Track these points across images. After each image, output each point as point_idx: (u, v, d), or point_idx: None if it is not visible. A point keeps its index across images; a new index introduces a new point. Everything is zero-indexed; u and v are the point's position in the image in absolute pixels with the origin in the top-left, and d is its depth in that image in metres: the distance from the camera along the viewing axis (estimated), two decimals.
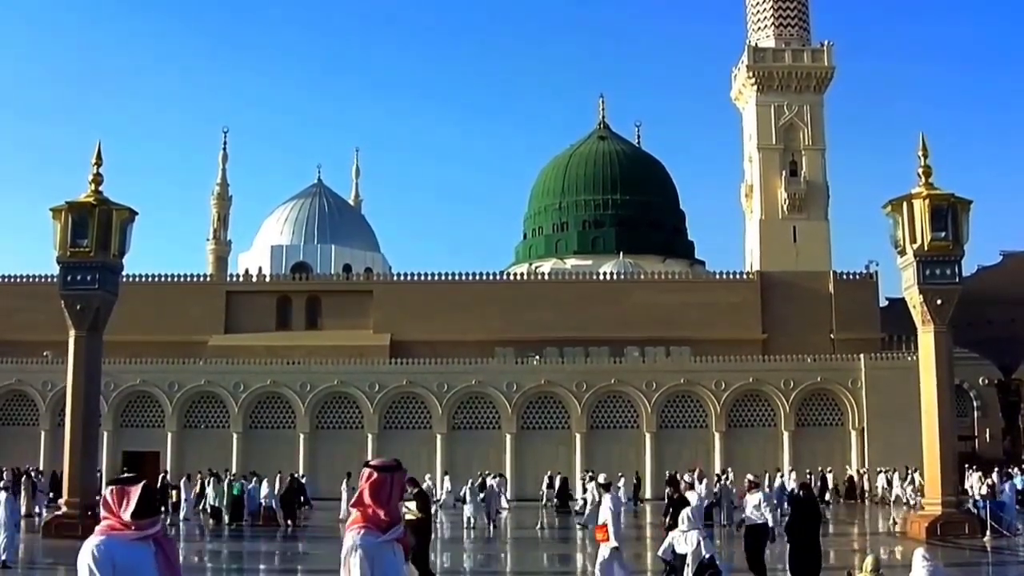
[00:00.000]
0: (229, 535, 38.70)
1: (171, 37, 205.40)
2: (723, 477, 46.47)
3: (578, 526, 39.81)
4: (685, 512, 19.33)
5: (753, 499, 20.68)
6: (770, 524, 20.49)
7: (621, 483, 45.91)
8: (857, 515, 49.18)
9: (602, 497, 19.53)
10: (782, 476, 51.75)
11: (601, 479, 20.20)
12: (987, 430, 76.32)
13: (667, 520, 21.39)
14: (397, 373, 63.82)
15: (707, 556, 18.41)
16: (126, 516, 6.05)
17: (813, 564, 18.95)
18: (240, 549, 34.96)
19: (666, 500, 21.53)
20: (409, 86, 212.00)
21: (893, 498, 54.31)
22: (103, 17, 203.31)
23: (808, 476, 53.39)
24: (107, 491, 6.18)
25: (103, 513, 6.18)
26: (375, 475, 6.48)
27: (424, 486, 46.35)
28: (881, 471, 57.66)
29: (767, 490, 22.10)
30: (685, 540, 18.93)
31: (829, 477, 58.25)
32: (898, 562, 25.81)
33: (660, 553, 20.03)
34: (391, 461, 6.66)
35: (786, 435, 62.68)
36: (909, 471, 53.22)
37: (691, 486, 22.84)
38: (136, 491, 6.08)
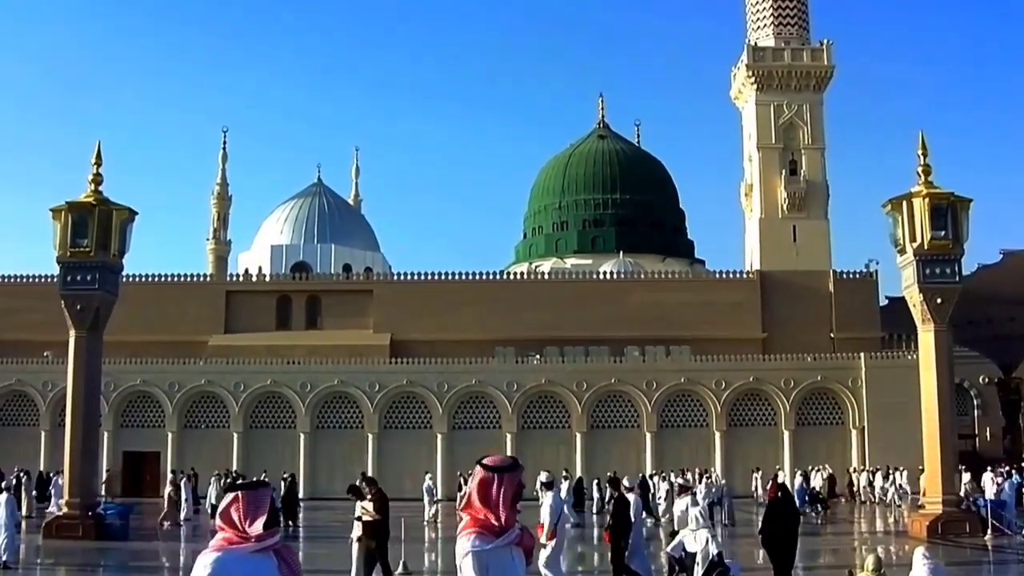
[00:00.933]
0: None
1: (171, 37, 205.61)
2: (708, 476, 46.71)
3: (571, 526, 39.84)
4: (695, 511, 19.24)
5: (681, 504, 20.17)
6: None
7: (564, 484, 45.89)
8: (846, 514, 49.11)
9: (543, 496, 19.30)
10: (802, 474, 51.52)
11: (543, 477, 19.96)
12: (987, 428, 76.25)
13: (609, 520, 20.78)
14: (397, 373, 63.83)
15: (716, 554, 18.33)
16: (254, 528, 5.52)
17: (786, 562, 18.68)
18: None
19: (611, 501, 21.16)
20: (409, 85, 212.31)
21: (876, 498, 54.35)
22: (102, 17, 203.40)
23: (784, 475, 53.54)
24: (227, 499, 5.62)
25: (219, 524, 5.59)
26: (482, 474, 6.00)
27: (425, 485, 46.79)
28: (864, 470, 57.63)
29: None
30: (695, 539, 18.83)
31: (817, 476, 57.69)
32: (897, 561, 25.80)
33: (669, 550, 19.93)
34: (505, 459, 6.14)
35: (786, 434, 62.71)
36: (891, 470, 53.40)
37: (629, 488, 22.34)
38: (262, 499, 5.60)
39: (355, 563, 20.22)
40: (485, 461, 6.10)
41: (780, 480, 31.78)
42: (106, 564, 28.86)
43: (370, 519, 20.05)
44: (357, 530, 20.29)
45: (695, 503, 20.70)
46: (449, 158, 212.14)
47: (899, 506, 49.48)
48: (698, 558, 18.36)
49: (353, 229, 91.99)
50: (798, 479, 49.22)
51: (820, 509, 46.21)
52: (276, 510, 5.61)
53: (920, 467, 54.12)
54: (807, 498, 46.72)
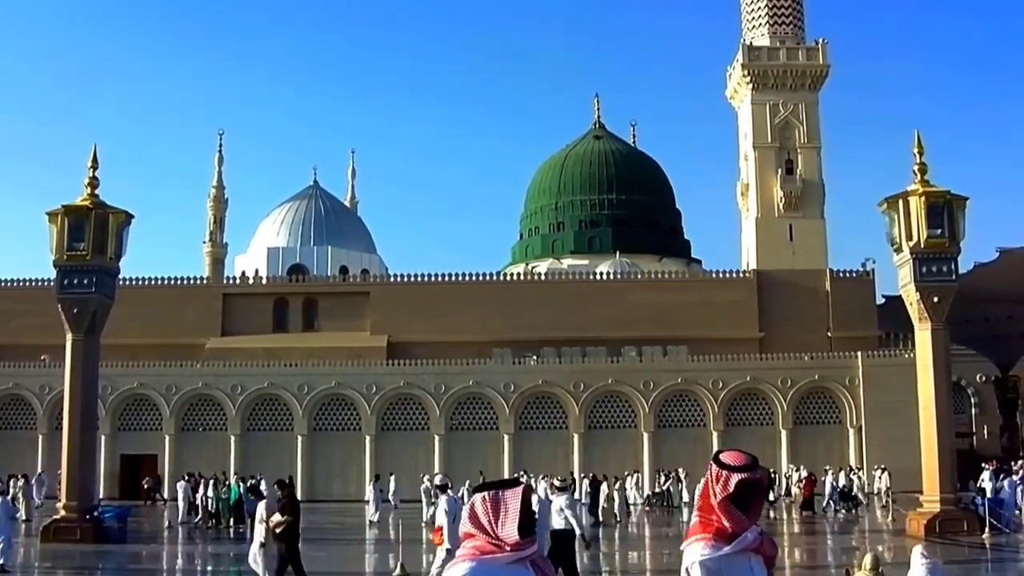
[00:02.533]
0: (231, 537, 38.65)
1: (166, 39, 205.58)
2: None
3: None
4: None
5: (558, 502, 19.67)
6: (577, 531, 19.51)
7: (465, 485, 46.00)
8: (842, 514, 49.14)
9: (438, 499, 19.09)
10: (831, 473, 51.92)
11: (437, 480, 19.74)
12: (985, 427, 76.23)
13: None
14: (394, 374, 63.81)
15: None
16: (507, 533, 4.79)
17: None
18: (242, 551, 34.89)
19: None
20: (404, 87, 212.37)
21: (853, 496, 54.37)
22: (98, 19, 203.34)
23: (772, 475, 53.49)
24: (475, 500, 4.90)
25: (469, 529, 4.90)
26: (714, 471, 5.42)
27: (423, 487, 46.83)
28: (840, 469, 57.37)
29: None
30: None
31: (830, 476, 57.83)
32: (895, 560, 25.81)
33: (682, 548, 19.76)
34: (744, 456, 5.50)
35: (784, 434, 62.72)
36: (864, 470, 53.72)
37: (560, 487, 21.91)
38: (516, 500, 4.84)
39: (263, 569, 19.94)
40: (721, 457, 5.52)
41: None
42: (104, 567, 28.84)
43: (278, 521, 19.80)
44: (260, 535, 19.94)
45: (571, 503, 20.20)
46: (445, 159, 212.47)
47: (884, 505, 50.15)
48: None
49: (349, 231, 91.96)
50: (829, 477, 50.65)
51: (851, 507, 47.12)
52: (532, 514, 4.90)
53: (880, 466, 55.02)
54: (838, 496, 48.88)
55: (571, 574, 19.31)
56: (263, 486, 31.66)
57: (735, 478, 5.33)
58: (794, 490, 54.49)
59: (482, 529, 4.80)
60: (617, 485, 46.02)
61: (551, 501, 20.05)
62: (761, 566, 5.36)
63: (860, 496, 52.73)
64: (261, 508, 20.02)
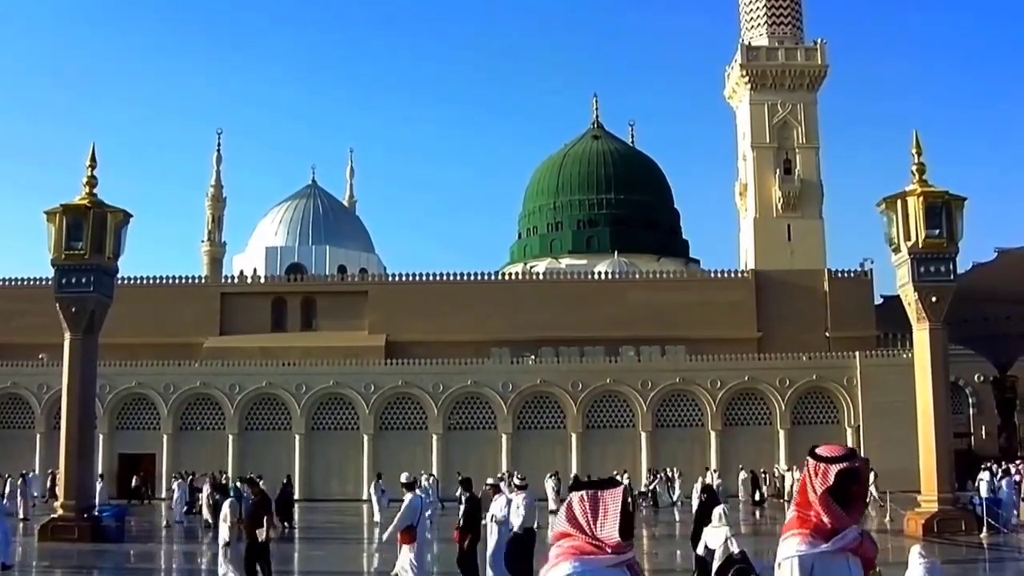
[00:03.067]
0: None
1: (165, 38, 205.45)
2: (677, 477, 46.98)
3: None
4: (718, 509, 19.11)
5: (516, 501, 19.66)
6: (526, 528, 19.38)
7: (425, 482, 46.10)
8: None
9: (404, 497, 19.02)
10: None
11: (403, 478, 19.64)
12: (983, 427, 76.30)
13: (460, 522, 20.33)
14: (393, 374, 63.80)
15: (737, 552, 18.18)
16: (608, 534, 4.60)
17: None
18: (239, 550, 34.88)
19: (463, 503, 20.67)
20: (403, 87, 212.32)
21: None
22: (96, 18, 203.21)
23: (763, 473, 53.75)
24: (573, 499, 4.74)
25: (566, 529, 4.70)
26: (811, 464, 5.20)
27: (421, 486, 46.76)
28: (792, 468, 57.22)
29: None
30: (715, 536, 18.72)
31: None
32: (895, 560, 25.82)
33: (700, 551, 19.74)
34: (842, 449, 5.26)
35: (782, 433, 62.71)
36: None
37: (495, 487, 21.79)
38: (615, 501, 4.66)
39: (232, 568, 19.80)
40: (817, 451, 5.26)
41: (707, 481, 31.96)
42: (102, 566, 28.83)
43: (228, 522, 19.72)
44: (225, 534, 19.80)
45: (716, 502, 20.30)
46: (443, 159, 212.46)
47: None
48: (717, 554, 18.21)
49: (348, 230, 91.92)
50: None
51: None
52: (631, 516, 4.71)
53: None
54: None
55: (528, 574, 19.32)
56: (230, 485, 31.54)
57: (834, 469, 5.12)
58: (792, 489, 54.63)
59: (580, 529, 4.65)
60: None
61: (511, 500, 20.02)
62: (859, 568, 5.13)
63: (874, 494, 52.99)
64: (226, 507, 19.94)
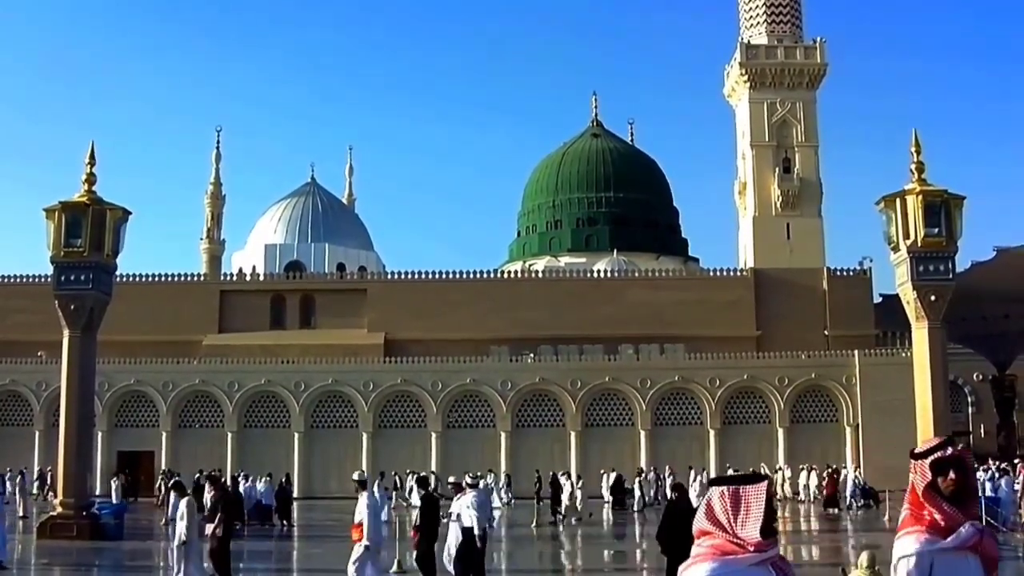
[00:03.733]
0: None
1: (164, 36, 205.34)
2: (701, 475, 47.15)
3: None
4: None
5: (466, 500, 19.61)
6: (477, 530, 19.34)
7: (377, 482, 46.16)
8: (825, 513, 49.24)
9: (359, 495, 19.02)
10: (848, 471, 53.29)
11: (356, 476, 19.62)
12: (982, 425, 76.39)
13: (417, 521, 20.46)
14: (392, 372, 63.79)
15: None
16: (749, 533, 4.41)
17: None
18: (250, 548, 34.89)
19: (420, 502, 20.82)
20: (402, 84, 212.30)
21: (799, 495, 54.42)
22: (95, 16, 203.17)
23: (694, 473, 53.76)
24: (713, 496, 4.53)
25: (705, 527, 4.50)
26: (916, 465, 4.95)
27: (409, 484, 46.80)
28: (846, 467, 57.34)
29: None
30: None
31: (851, 473, 57.62)
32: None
33: None
34: (936, 440, 5.01)
35: (781, 432, 62.70)
36: (812, 469, 54.18)
37: (472, 485, 21.71)
38: (759, 498, 4.45)
39: (183, 567, 19.69)
40: (914, 450, 5.00)
41: (677, 480, 31.94)
42: (101, 564, 28.83)
43: (215, 530, 19.73)
44: (182, 532, 19.74)
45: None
46: (443, 157, 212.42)
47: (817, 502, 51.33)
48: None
49: (347, 228, 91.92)
50: (851, 474, 52.90)
51: (873, 504, 47.72)
52: (773, 512, 4.53)
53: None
54: (858, 492, 50.29)
55: (478, 572, 19.40)
56: (187, 483, 31.43)
57: (928, 461, 4.90)
58: (786, 489, 54.71)
59: (720, 527, 4.45)
60: (580, 483, 46.10)
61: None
62: (979, 567, 4.89)
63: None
64: (183, 506, 19.90)
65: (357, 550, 18.19)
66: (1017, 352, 72.10)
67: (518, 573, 28.39)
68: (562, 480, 46.34)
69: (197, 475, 45.06)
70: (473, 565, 19.37)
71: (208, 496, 20.61)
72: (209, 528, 19.87)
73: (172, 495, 26.50)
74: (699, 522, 4.52)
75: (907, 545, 4.85)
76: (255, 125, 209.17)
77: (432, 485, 20.90)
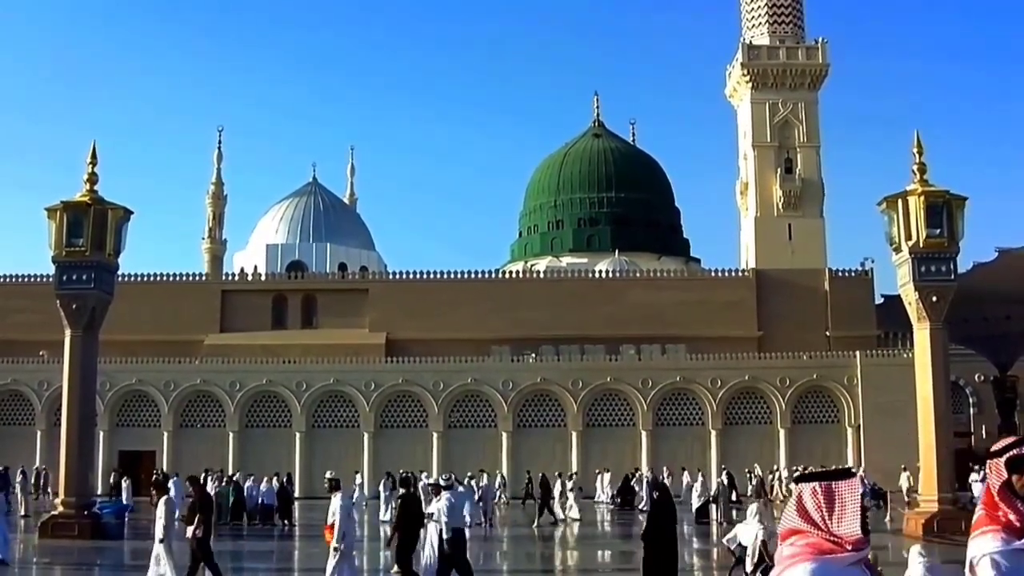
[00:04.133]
0: (230, 534, 38.62)
1: (166, 36, 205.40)
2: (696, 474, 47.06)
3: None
4: (754, 506, 19.08)
5: (441, 502, 19.66)
6: (445, 534, 19.40)
7: (357, 483, 46.20)
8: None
9: (332, 496, 19.05)
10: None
11: (329, 474, 19.68)
12: (983, 427, 76.17)
13: (395, 519, 20.56)
14: (393, 372, 63.84)
15: (768, 546, 18.09)
16: (847, 530, 4.25)
17: (669, 569, 18.37)
18: (251, 548, 34.91)
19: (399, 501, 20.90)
20: (404, 84, 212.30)
21: (774, 496, 54.31)
22: (97, 16, 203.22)
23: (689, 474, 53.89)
24: (804, 492, 4.35)
25: (798, 525, 4.34)
26: (991, 462, 4.74)
27: (421, 484, 46.77)
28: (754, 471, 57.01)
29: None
30: (748, 532, 18.67)
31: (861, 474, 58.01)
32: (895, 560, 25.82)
33: (725, 540, 19.72)
34: (1012, 439, 4.84)
35: (782, 432, 62.74)
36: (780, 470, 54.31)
37: (447, 486, 21.72)
38: (853, 493, 4.30)
39: (163, 565, 19.74)
40: (995, 446, 4.78)
41: (662, 480, 31.98)
42: (102, 563, 28.83)
43: (195, 529, 19.81)
44: (160, 531, 19.81)
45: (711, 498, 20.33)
46: (444, 157, 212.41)
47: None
48: (748, 551, 18.14)
49: (348, 228, 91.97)
50: (861, 475, 51.11)
51: (882, 504, 47.85)
52: (866, 509, 4.39)
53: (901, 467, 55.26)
54: (867, 493, 48.99)
55: (463, 570, 19.52)
56: (170, 483, 31.50)
57: (1003, 459, 4.67)
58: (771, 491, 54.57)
59: (815, 524, 4.28)
60: (572, 483, 46.10)
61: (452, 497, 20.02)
62: None
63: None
64: (162, 505, 19.98)
65: (332, 556, 18.23)
66: (1019, 353, 71.84)
67: (517, 573, 28.41)
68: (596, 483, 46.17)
69: (157, 473, 44.92)
70: (457, 565, 19.44)
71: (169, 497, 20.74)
72: (189, 531, 19.95)
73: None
74: (789, 521, 4.37)
75: (982, 545, 4.60)
76: (257, 125, 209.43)
77: (412, 486, 20.90)
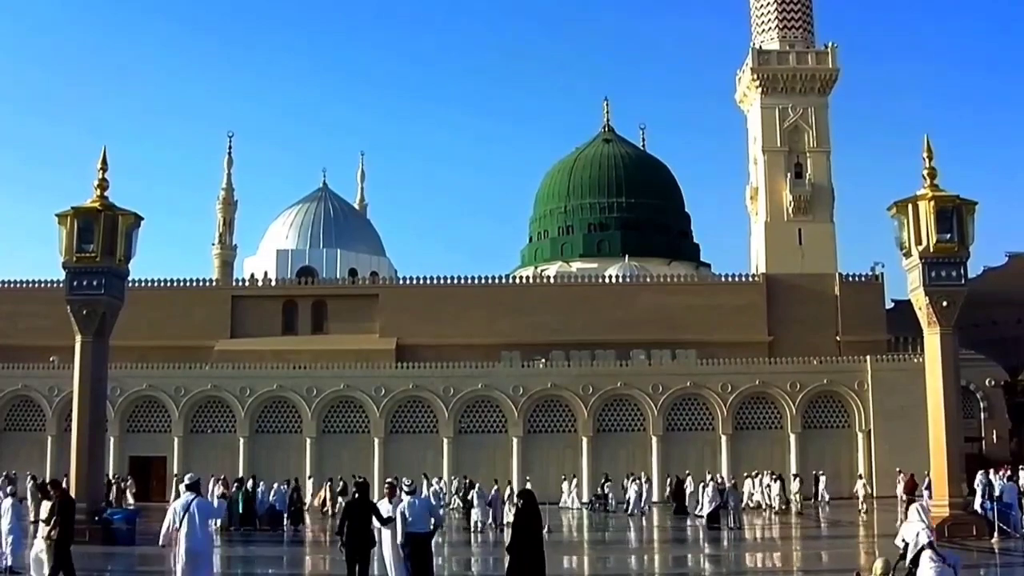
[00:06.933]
0: (241, 539, 38.70)
1: (176, 41, 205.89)
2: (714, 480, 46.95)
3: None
4: (915, 506, 19.09)
5: (401, 506, 19.76)
6: (400, 538, 19.56)
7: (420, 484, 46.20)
8: (838, 517, 49.05)
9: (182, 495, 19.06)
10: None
11: (186, 479, 19.63)
12: (994, 431, 76.11)
13: (338, 524, 20.68)
14: (403, 377, 63.91)
15: (926, 542, 18.05)
16: None
17: (536, 570, 18.24)
18: (261, 553, 34.95)
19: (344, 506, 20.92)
20: (414, 90, 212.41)
21: (755, 504, 53.86)
22: (108, 20, 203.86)
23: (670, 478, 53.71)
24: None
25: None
26: None
27: (431, 490, 46.91)
28: (749, 476, 56.58)
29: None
30: (911, 530, 18.71)
31: (823, 479, 57.84)
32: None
33: (896, 541, 19.75)
34: None
35: (793, 437, 62.71)
36: (771, 476, 53.87)
37: (410, 491, 21.63)
38: None
39: (45, 565, 20.29)
40: None
41: (528, 487, 31.84)
42: (113, 569, 28.85)
43: (49, 532, 20.09)
44: (43, 530, 20.26)
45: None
46: (454, 162, 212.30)
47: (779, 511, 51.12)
48: (908, 549, 18.18)
49: (359, 234, 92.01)
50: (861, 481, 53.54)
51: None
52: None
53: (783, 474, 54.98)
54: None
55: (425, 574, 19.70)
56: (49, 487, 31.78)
57: None
58: (760, 496, 54.12)
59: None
60: (573, 488, 46.14)
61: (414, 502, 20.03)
62: None
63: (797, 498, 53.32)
64: (44, 508, 20.35)
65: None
66: None
67: None
68: (563, 487, 46.24)
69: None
70: (423, 567, 19.65)
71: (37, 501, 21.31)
72: (45, 530, 20.34)
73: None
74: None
75: None
76: (267, 131, 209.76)
77: (356, 491, 20.68)
